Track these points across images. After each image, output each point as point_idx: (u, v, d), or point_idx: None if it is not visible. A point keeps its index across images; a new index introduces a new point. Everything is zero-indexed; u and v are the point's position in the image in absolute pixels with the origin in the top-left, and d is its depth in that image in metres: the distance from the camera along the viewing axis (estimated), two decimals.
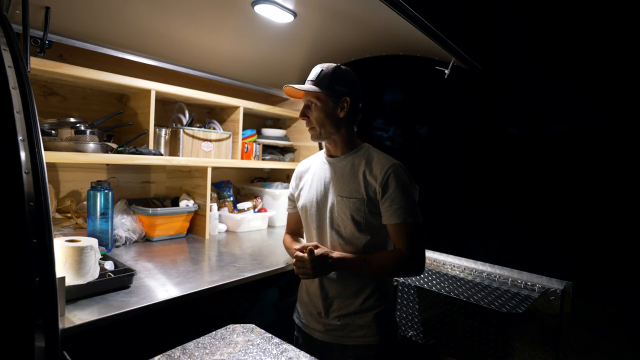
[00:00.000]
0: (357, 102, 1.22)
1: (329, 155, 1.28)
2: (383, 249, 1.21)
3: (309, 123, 1.23)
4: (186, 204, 1.92)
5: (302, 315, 1.30)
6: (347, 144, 1.24)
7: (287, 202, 1.45)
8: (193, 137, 1.94)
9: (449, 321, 1.45)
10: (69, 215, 1.70)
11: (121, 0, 1.46)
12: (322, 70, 1.19)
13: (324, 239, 1.24)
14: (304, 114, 1.23)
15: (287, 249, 1.41)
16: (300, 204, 1.32)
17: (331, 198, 1.21)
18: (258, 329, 0.98)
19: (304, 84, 1.21)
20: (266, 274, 1.42)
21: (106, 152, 1.57)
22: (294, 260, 1.16)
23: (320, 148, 2.39)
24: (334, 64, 1.21)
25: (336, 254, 1.15)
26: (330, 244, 1.22)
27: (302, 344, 1.29)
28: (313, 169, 1.32)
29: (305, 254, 1.12)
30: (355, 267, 1.14)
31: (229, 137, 2.11)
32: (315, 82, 1.19)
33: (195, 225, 1.97)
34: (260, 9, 1.55)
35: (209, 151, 2.02)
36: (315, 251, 1.13)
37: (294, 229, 1.44)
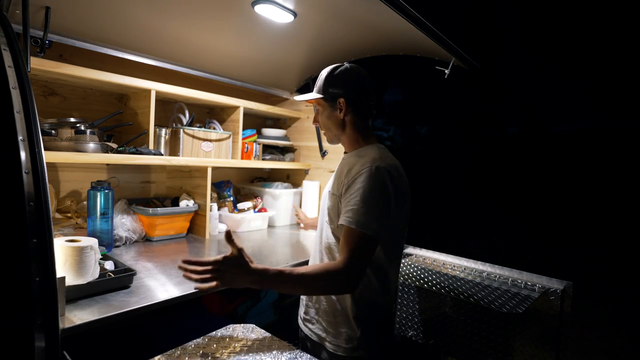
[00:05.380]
0: (354, 100, 1.19)
1: (345, 152, 1.31)
2: None
3: (321, 128, 1.28)
4: (186, 203, 1.92)
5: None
6: (354, 143, 1.24)
7: None
8: (193, 137, 1.94)
9: (449, 321, 1.45)
10: (69, 215, 1.70)
11: (121, 0, 1.46)
12: (321, 75, 1.23)
13: (320, 232, 1.26)
14: (315, 120, 1.29)
15: None
16: None
17: (326, 192, 1.26)
18: (258, 328, 0.99)
19: (307, 85, 1.22)
20: None
21: (106, 152, 1.56)
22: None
23: (321, 149, 2.40)
24: (332, 66, 1.22)
25: (270, 269, 0.99)
26: (320, 239, 1.23)
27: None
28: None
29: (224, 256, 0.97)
30: (288, 283, 0.98)
31: (229, 137, 2.11)
32: (316, 88, 1.23)
33: (196, 225, 1.97)
34: (260, 9, 1.55)
35: (209, 151, 2.01)
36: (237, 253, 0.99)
37: None
